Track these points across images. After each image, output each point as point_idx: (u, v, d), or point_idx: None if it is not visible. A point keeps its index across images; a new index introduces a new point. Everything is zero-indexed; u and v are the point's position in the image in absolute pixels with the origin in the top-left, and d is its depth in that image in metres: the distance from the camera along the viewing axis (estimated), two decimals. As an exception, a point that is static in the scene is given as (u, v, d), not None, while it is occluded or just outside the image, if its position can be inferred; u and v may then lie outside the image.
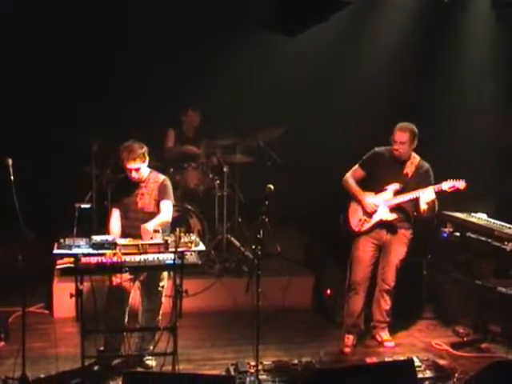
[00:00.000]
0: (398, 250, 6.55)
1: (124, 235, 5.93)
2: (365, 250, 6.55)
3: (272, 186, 5.69)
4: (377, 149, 6.61)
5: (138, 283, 6.04)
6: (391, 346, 6.67)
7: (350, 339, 6.62)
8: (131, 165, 5.97)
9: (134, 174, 6.02)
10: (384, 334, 6.75)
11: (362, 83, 8.73)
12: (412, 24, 8.59)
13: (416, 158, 6.52)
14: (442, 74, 8.74)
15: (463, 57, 8.68)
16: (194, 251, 5.66)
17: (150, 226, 5.85)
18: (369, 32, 8.77)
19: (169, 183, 6.18)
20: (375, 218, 6.48)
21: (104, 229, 6.17)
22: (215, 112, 8.39)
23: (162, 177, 6.19)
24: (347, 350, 6.56)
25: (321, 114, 8.81)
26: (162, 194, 6.09)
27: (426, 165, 6.54)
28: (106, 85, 8.40)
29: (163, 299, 6.14)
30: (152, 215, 6.01)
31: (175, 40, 8.40)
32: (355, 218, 6.57)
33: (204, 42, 8.51)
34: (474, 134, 8.46)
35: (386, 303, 6.68)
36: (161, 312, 6.14)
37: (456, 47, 8.67)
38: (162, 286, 6.10)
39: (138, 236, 5.81)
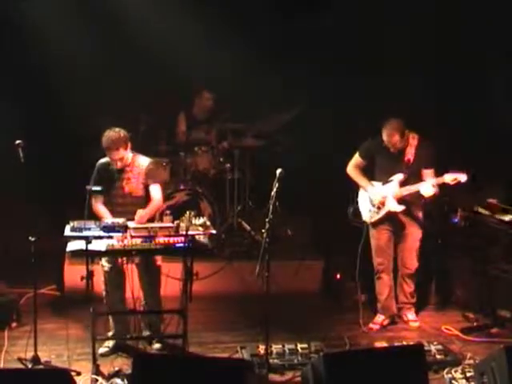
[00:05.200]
0: (414, 232, 6.63)
1: None
2: (380, 238, 6.66)
3: (282, 170, 5.69)
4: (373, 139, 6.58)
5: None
6: (415, 327, 6.75)
7: (379, 318, 6.76)
8: (114, 155, 5.91)
9: (118, 164, 5.97)
10: (410, 315, 6.84)
11: (372, 63, 8.63)
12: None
13: (415, 139, 6.47)
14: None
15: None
16: (205, 235, 5.69)
17: (146, 214, 5.88)
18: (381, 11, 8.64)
19: (154, 166, 6.13)
20: (384, 210, 6.55)
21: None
22: (226, 96, 8.35)
23: (147, 160, 6.11)
24: (370, 325, 6.68)
25: (332, 98, 8.72)
26: (150, 177, 6.03)
27: (427, 143, 6.50)
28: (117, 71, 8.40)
29: (161, 279, 6.12)
30: (140, 199, 6.00)
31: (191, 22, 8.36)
32: (365, 208, 6.67)
33: (216, 27, 8.45)
34: (484, 120, 8.40)
35: (408, 286, 6.79)
36: (161, 292, 6.12)
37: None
38: (159, 265, 6.08)
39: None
